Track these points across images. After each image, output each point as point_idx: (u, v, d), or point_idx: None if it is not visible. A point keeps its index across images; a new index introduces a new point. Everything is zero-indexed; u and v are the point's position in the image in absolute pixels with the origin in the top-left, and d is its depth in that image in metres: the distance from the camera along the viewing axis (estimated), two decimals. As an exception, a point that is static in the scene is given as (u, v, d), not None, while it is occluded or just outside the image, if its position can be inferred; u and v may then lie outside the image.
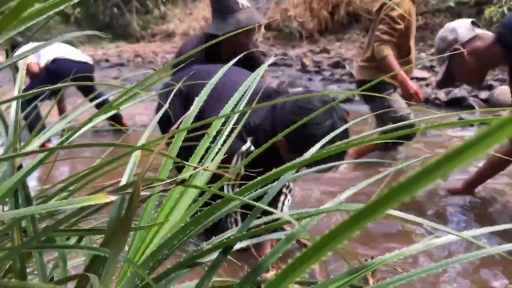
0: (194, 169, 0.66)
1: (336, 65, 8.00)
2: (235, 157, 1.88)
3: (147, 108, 5.26)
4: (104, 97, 1.08)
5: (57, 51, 4.12)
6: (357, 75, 3.39)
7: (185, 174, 0.63)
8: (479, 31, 2.40)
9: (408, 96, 2.97)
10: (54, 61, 4.10)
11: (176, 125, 0.64)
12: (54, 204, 0.55)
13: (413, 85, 2.96)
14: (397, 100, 3.13)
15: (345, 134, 1.75)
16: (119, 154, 0.66)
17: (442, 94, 5.51)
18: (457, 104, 5.27)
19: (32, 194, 0.84)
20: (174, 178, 0.60)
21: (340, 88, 6.58)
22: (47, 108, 4.89)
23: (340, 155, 1.71)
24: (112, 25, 15.98)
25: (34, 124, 3.64)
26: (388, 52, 2.98)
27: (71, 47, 4.46)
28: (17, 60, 0.74)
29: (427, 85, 5.91)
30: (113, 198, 0.55)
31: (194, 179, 0.72)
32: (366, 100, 3.49)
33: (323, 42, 10.07)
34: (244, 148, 1.87)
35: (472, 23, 2.43)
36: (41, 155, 0.69)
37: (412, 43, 3.17)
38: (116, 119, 4.32)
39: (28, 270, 0.85)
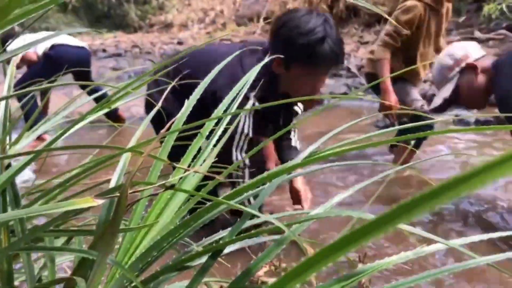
0: (184, 172, 0.65)
1: (334, 59, 7.94)
2: (243, 118, 1.91)
3: (143, 100, 5.24)
4: (102, 92, 1.07)
5: (53, 38, 4.09)
6: (365, 67, 3.28)
7: (175, 178, 0.62)
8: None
9: (384, 106, 2.88)
10: (53, 47, 4.07)
11: (167, 126, 0.63)
12: (40, 208, 0.54)
13: (394, 99, 2.84)
14: (408, 93, 3.01)
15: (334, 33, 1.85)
16: (110, 154, 0.65)
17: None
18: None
19: (24, 189, 0.83)
20: (163, 182, 0.59)
21: (338, 83, 6.55)
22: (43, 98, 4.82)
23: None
24: (110, 15, 15.91)
25: (31, 114, 3.62)
26: (385, 56, 2.87)
27: (66, 34, 4.43)
28: (11, 56, 0.73)
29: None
30: (100, 201, 0.54)
31: (184, 181, 0.72)
32: (377, 93, 3.46)
33: (322, 36, 10.02)
34: (248, 106, 1.88)
35: None
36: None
37: (423, 50, 3.00)
38: (112, 110, 4.29)
39: (16, 266, 0.84)
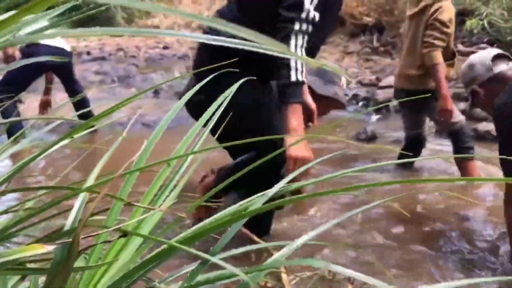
0: (143, 212, 0.63)
1: (319, 68, 7.95)
2: (308, 13, 1.74)
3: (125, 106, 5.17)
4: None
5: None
6: (406, 85, 3.12)
7: (131, 221, 0.60)
8: (503, 67, 2.19)
9: (443, 111, 2.86)
10: (28, 46, 3.84)
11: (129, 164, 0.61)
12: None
13: (452, 104, 2.85)
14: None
15: None
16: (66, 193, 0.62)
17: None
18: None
19: None
20: (119, 226, 0.57)
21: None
22: (26, 99, 4.68)
23: None
24: (96, 17, 15.75)
25: (8, 117, 3.49)
26: (440, 60, 2.86)
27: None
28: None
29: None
30: (50, 248, 0.52)
31: (146, 219, 0.69)
32: (404, 109, 3.30)
33: (307, 45, 10.04)
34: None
35: (497, 56, 2.24)
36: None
37: (453, 47, 3.08)
38: (87, 113, 4.17)
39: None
